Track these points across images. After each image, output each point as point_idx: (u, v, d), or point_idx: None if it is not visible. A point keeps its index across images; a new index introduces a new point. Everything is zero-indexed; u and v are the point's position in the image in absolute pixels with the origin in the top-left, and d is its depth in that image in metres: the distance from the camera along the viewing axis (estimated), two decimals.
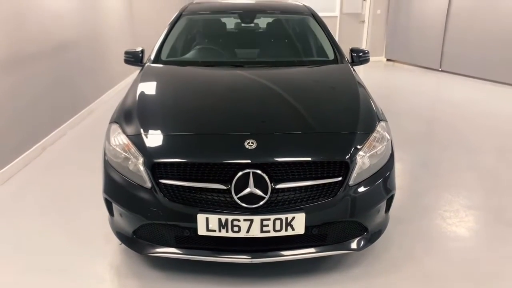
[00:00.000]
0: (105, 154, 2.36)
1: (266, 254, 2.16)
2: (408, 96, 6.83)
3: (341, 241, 2.23)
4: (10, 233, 2.77)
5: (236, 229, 2.05)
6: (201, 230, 2.07)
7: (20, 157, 3.76)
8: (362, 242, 2.28)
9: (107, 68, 6.29)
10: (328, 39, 3.47)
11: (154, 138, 2.21)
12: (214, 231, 2.06)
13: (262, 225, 2.05)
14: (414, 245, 2.66)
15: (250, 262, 2.14)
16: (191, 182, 2.07)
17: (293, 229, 2.07)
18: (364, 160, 2.20)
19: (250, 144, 2.09)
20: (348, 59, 3.41)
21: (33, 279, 2.32)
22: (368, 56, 3.50)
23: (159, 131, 2.27)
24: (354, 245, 2.25)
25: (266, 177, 2.02)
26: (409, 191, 3.40)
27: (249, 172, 2.02)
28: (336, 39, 9.96)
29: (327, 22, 9.98)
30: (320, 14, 9.67)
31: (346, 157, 2.13)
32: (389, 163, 2.36)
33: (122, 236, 2.32)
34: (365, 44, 10.38)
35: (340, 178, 2.12)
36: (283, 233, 2.07)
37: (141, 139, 2.20)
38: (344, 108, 2.53)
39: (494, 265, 2.47)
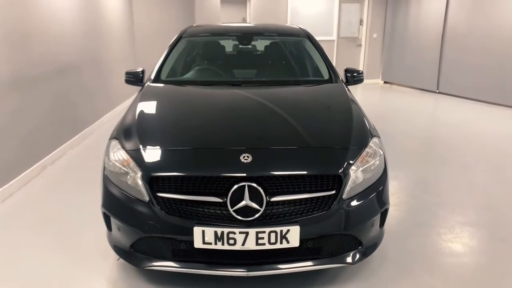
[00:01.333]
0: (104, 169, 2.41)
1: (262, 267, 2.18)
2: (404, 117, 6.93)
3: (336, 254, 2.26)
4: (6, 251, 2.79)
5: (232, 241, 2.08)
6: (197, 243, 2.10)
7: (20, 176, 3.81)
8: (357, 256, 2.30)
9: (107, 90, 6.41)
10: (323, 60, 3.58)
11: (152, 153, 2.26)
12: (210, 243, 2.09)
13: (257, 238, 2.08)
14: (409, 260, 2.67)
15: (246, 275, 2.16)
16: (188, 195, 2.11)
17: (288, 242, 2.10)
18: (357, 174, 2.25)
19: (246, 158, 2.15)
20: (343, 79, 3.51)
21: None
22: (362, 76, 3.60)
23: (157, 146, 2.32)
24: (348, 258, 2.27)
25: (261, 190, 2.07)
26: (405, 208, 3.43)
27: (244, 185, 2.06)
28: (334, 62, 10.16)
29: (324, 46, 10.22)
30: (318, 38, 9.89)
31: (340, 171, 2.18)
32: (382, 178, 2.41)
33: (119, 250, 2.34)
34: (362, 67, 10.57)
35: (333, 192, 2.17)
36: (278, 245, 2.10)
37: (140, 154, 2.26)
38: (338, 125, 2.60)
39: (490, 281, 2.48)
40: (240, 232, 2.07)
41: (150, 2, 8.33)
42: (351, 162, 2.24)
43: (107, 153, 2.41)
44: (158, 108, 2.84)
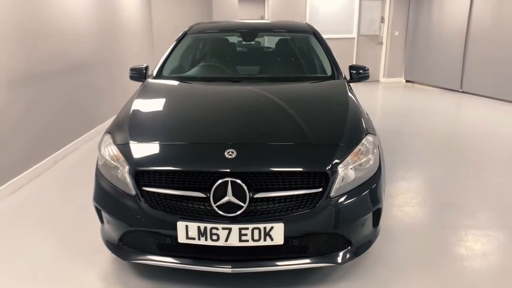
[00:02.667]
0: (97, 163, 2.45)
1: (247, 264, 2.16)
2: (425, 116, 6.73)
3: (323, 253, 2.21)
4: (6, 242, 2.87)
5: (215, 237, 2.07)
6: (181, 238, 2.10)
7: (31, 169, 3.93)
8: (345, 256, 2.24)
9: (122, 87, 6.52)
10: (327, 56, 3.51)
11: (139, 147, 2.28)
12: (194, 239, 2.09)
13: (240, 234, 2.06)
14: (406, 263, 2.59)
15: (230, 272, 2.14)
16: (172, 190, 2.12)
17: (272, 239, 2.07)
18: (347, 172, 2.20)
19: (230, 153, 2.13)
20: (348, 76, 3.44)
21: (21, 286, 2.39)
22: (368, 73, 3.51)
23: (145, 141, 2.33)
24: (336, 258, 2.22)
25: (245, 186, 2.05)
26: (412, 208, 3.33)
27: (227, 181, 2.05)
28: (354, 60, 10.00)
29: (344, 44, 10.06)
30: (337, 36, 9.76)
31: (326, 168, 2.13)
32: (376, 176, 2.34)
33: (109, 244, 2.38)
34: (383, 65, 10.36)
35: (320, 189, 2.12)
36: (261, 243, 2.08)
37: (128, 148, 2.27)
38: (331, 122, 2.54)
39: (490, 285, 2.38)
40: (223, 228, 2.05)
41: (169, 1, 8.43)
42: (340, 159, 2.19)
43: (99, 147, 2.44)
44: (152, 103, 2.86)
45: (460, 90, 8.74)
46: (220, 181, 2.05)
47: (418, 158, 4.59)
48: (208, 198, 2.06)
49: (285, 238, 2.10)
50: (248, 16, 9.49)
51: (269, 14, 9.31)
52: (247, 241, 2.07)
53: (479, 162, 4.44)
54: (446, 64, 9.00)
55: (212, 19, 8.43)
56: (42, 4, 4.14)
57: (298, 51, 3.83)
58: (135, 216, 2.16)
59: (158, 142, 2.33)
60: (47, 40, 4.23)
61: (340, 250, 2.24)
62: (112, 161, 2.28)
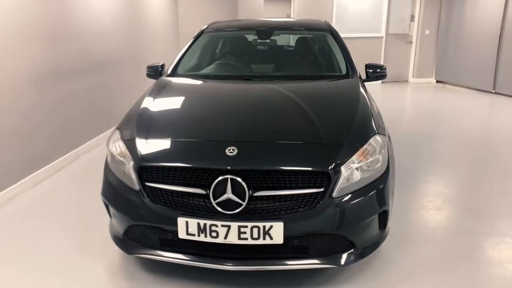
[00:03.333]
0: (106, 158, 2.50)
1: (247, 262, 2.15)
2: (455, 118, 6.50)
3: (325, 254, 2.17)
4: (24, 233, 2.98)
5: (214, 234, 2.07)
6: (181, 234, 2.11)
7: (53, 163, 4.06)
8: (348, 258, 2.19)
9: (146, 86, 6.64)
10: (342, 54, 3.45)
11: (143, 143, 2.31)
12: (194, 235, 2.10)
13: (239, 232, 2.05)
14: (417, 268, 2.50)
15: (231, 270, 2.14)
16: (174, 186, 2.13)
17: (271, 238, 2.05)
18: (353, 172, 2.15)
19: (231, 151, 2.12)
20: (365, 75, 3.37)
21: (29, 277, 2.46)
22: (385, 72, 3.42)
23: (150, 137, 2.36)
24: (338, 260, 2.17)
25: (244, 184, 2.04)
26: (427, 213, 3.22)
27: (227, 178, 2.04)
28: (382, 60, 9.75)
29: (371, 43, 9.86)
30: (364, 35, 9.58)
31: (328, 168, 2.09)
32: (383, 178, 2.28)
33: (115, 237, 2.42)
34: (412, 65, 10.09)
35: (321, 189, 2.08)
36: (261, 241, 2.06)
37: (134, 144, 2.31)
38: (338, 120, 2.48)
39: None
40: (222, 225, 2.05)
41: (195, 1, 8.52)
42: (344, 159, 2.14)
43: (107, 143, 2.49)
44: (161, 101, 2.88)
45: (493, 91, 8.39)
46: (219, 178, 2.05)
47: (444, 161, 4.44)
48: (208, 195, 2.06)
49: (285, 238, 2.07)
50: (273, 15, 9.46)
51: (295, 13, 9.25)
52: (246, 239, 2.06)
53: (509, 166, 4.24)
54: (478, 64, 8.66)
55: (238, 18, 8.45)
56: (66, 5, 4.27)
57: (313, 49, 3.78)
58: (139, 211, 2.20)
59: (162, 138, 2.35)
60: (71, 40, 4.36)
61: (343, 251, 2.20)
62: (119, 157, 2.32)
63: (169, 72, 3.40)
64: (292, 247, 2.14)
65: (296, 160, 2.13)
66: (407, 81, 10.27)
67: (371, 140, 2.30)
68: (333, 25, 9.34)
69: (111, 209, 2.37)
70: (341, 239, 2.17)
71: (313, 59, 3.66)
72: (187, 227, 2.09)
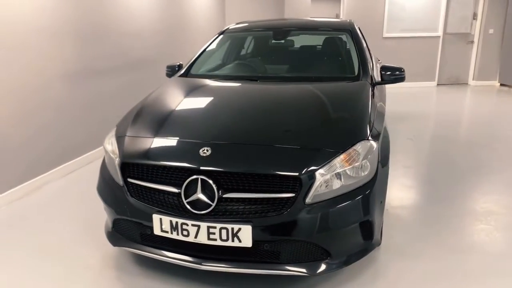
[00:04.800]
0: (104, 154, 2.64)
1: (219, 262, 2.15)
2: None
3: (297, 261, 2.11)
4: (40, 220, 3.23)
5: (185, 233, 2.10)
6: (156, 230, 2.17)
7: (84, 156, 4.35)
8: (322, 267, 2.12)
9: None
10: (357, 56, 3.31)
11: (130, 140, 2.39)
12: (167, 232, 2.14)
13: (209, 233, 2.06)
14: (410, 284, 2.36)
15: (202, 269, 2.16)
16: (150, 183, 2.20)
17: (240, 240, 2.04)
18: (330, 178, 2.07)
19: (205, 151, 2.14)
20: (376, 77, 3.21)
21: (30, 262, 2.66)
22: (403, 74, 3.22)
23: (137, 135, 2.44)
24: (311, 268, 2.10)
25: (214, 185, 2.04)
26: (437, 226, 3.01)
27: (198, 178, 2.06)
28: (438, 61, 9.16)
29: (427, 43, 9.30)
30: (419, 35, 9.06)
31: (300, 173, 2.03)
32: (366, 186, 2.17)
33: (106, 230, 2.54)
34: (473, 66, 9.39)
35: (292, 195, 2.03)
36: (229, 243, 2.06)
37: (122, 140, 2.41)
38: (324, 124, 2.39)
39: None
40: (192, 225, 2.08)
41: (242, 1, 8.62)
42: (319, 164, 2.07)
43: (105, 139, 2.62)
44: (159, 100, 2.93)
45: None
46: (191, 178, 2.08)
47: (485, 167, 4.08)
48: (180, 193, 2.10)
49: (255, 241, 2.05)
50: (321, 15, 9.29)
51: (344, 12, 9.00)
52: (215, 240, 2.07)
53: None
54: None
55: (284, 18, 8.42)
56: (104, 6, 4.54)
57: (328, 50, 3.67)
58: (122, 205, 2.29)
59: (146, 136, 2.42)
60: (107, 39, 4.63)
61: (317, 260, 2.12)
62: (110, 153, 2.44)
63: (181, 72, 3.48)
64: (263, 252, 2.11)
65: (267, 164, 2.09)
66: (466, 83, 9.58)
67: (356, 146, 2.19)
68: (385, 24, 9.03)
69: (102, 202, 2.49)
70: (315, 247, 2.10)
71: (326, 60, 3.55)
72: (161, 224, 2.14)
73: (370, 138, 2.29)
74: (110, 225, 2.46)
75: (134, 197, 2.24)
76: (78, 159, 4.28)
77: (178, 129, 2.44)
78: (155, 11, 5.76)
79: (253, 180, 2.05)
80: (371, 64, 3.30)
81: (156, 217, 2.15)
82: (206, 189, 2.06)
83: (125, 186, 2.27)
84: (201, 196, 2.06)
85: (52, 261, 2.64)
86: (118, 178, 2.32)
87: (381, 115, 2.69)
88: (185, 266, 2.23)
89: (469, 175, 3.95)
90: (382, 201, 2.32)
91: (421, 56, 9.26)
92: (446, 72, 9.40)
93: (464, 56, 9.36)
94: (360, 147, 2.20)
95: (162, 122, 2.54)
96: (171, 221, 2.12)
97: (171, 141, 2.32)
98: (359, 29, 4.39)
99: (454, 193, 3.56)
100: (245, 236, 2.03)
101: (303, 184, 2.03)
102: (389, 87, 9.38)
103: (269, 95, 2.86)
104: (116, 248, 2.73)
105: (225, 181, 2.07)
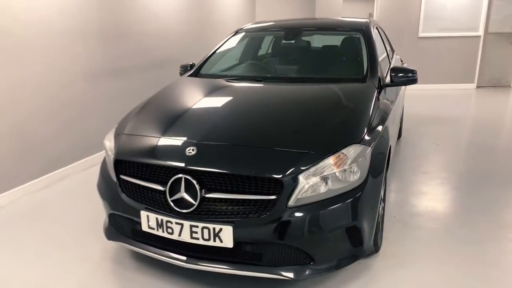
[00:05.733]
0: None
1: (201, 261, 2.16)
2: None
3: (279, 264, 2.09)
4: (54, 210, 3.38)
5: (170, 230, 2.14)
6: (144, 226, 2.22)
7: (103, 151, 4.50)
8: (304, 271, 2.08)
9: None
10: (367, 57, 3.21)
11: (125, 138, 2.46)
12: (154, 229, 2.19)
13: (191, 231, 2.08)
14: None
15: (185, 266, 2.18)
16: (139, 180, 2.25)
17: (221, 241, 2.05)
18: (317, 182, 2.03)
19: (190, 151, 2.16)
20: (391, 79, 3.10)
21: (31, 251, 2.79)
22: (415, 76, 3.09)
23: (132, 133, 2.50)
24: (293, 272, 2.07)
25: (196, 185, 2.06)
26: (448, 234, 2.87)
27: (182, 177, 2.09)
28: (477, 62, 8.72)
29: (466, 43, 8.86)
30: (457, 34, 8.66)
31: (283, 175, 2.00)
32: (354, 191, 2.11)
33: (104, 224, 2.62)
34: None
35: (273, 197, 2.01)
36: (211, 243, 2.07)
37: (119, 138, 2.49)
38: (315, 127, 2.33)
39: None
40: (176, 223, 2.11)
41: (273, 1, 8.60)
42: (303, 167, 2.03)
43: (105, 136, 2.71)
44: (160, 99, 2.97)
45: None
46: (175, 176, 2.10)
47: (495, 178, 3.86)
48: (165, 191, 2.14)
49: (236, 242, 2.05)
50: (353, 14, 9.08)
51: (378, 12, 8.75)
52: (198, 239, 2.08)
53: None
54: None
55: (315, 17, 8.32)
56: (128, 7, 4.69)
57: (339, 51, 3.58)
58: (115, 201, 2.37)
59: (138, 134, 2.47)
60: (130, 39, 4.78)
61: (300, 264, 2.09)
62: (108, 150, 2.52)
63: (191, 72, 3.53)
64: (245, 253, 2.10)
65: (250, 165, 2.08)
66: (509, 86, 9.05)
67: (346, 150, 2.14)
68: (421, 24, 8.69)
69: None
70: (297, 251, 2.07)
71: (334, 61, 3.47)
72: (148, 220, 2.19)
73: (362, 142, 2.22)
74: (107, 220, 2.54)
75: (125, 193, 2.31)
76: (99, 154, 4.45)
77: (169, 129, 2.47)
78: (183, 12, 5.87)
79: (236, 181, 2.05)
80: (381, 66, 3.18)
81: (143, 214, 2.20)
82: (190, 188, 2.09)
83: (118, 183, 2.34)
84: (184, 195, 2.09)
85: (55, 250, 2.77)
86: (112, 174, 2.39)
87: (385, 118, 2.61)
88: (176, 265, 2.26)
89: (500, 185, 3.73)
90: (374, 207, 2.24)
91: (459, 56, 8.84)
92: (486, 73, 8.92)
93: (507, 57, 8.84)
94: (350, 150, 2.14)
95: (157, 121, 2.59)
96: (157, 218, 2.16)
97: (161, 140, 2.36)
98: (380, 29, 4.27)
99: (474, 204, 3.38)
100: (227, 236, 2.04)
101: (284, 187, 2.00)
102: (424, 89, 9.08)
103: (267, 97, 2.84)
104: (115, 243, 2.82)
105: (208, 181, 2.08)
